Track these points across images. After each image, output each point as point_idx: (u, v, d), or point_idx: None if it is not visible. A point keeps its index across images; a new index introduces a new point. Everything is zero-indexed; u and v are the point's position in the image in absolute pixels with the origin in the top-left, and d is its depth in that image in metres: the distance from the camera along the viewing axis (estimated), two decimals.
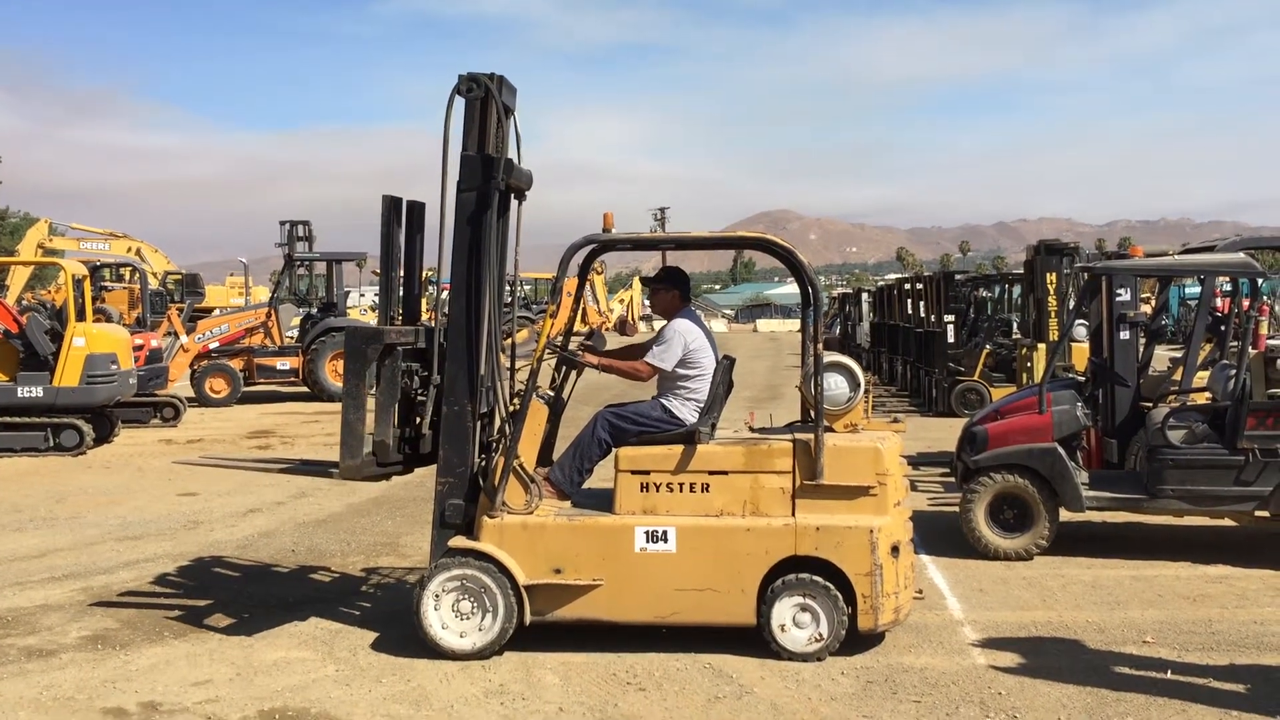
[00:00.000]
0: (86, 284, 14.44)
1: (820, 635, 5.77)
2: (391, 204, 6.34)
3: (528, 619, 5.87)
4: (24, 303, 23.42)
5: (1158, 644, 6.14)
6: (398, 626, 6.28)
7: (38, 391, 13.37)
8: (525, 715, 5.15)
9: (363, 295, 57.83)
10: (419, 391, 6.24)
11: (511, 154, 6.20)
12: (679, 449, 5.95)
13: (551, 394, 6.41)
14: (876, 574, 5.75)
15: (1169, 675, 5.63)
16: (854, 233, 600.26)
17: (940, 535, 8.72)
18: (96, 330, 13.96)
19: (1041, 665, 5.77)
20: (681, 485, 5.89)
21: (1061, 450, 8.14)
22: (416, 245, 6.54)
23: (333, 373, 18.98)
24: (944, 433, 14.42)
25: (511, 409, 6.07)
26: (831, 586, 5.74)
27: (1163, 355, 16.80)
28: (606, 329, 44.87)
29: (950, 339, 17.54)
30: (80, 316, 13.81)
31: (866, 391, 6.17)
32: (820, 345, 6.00)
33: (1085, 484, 8.19)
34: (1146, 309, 13.69)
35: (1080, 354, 12.95)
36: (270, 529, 9.31)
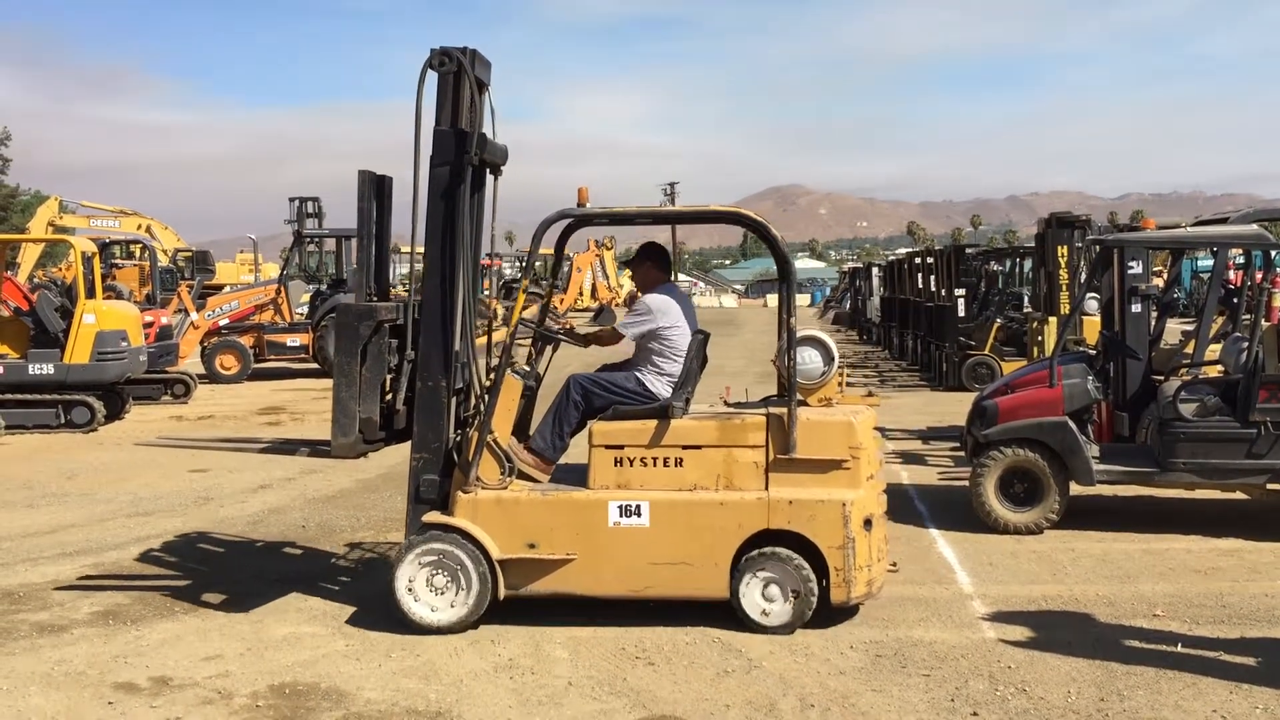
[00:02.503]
0: (96, 261, 14.48)
1: (789, 608, 5.81)
2: (368, 179, 6.31)
3: (502, 593, 5.90)
4: (34, 280, 23.48)
5: (1168, 617, 6.12)
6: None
7: (49, 369, 13.42)
8: (534, 689, 5.16)
9: None
10: (393, 367, 6.24)
11: (486, 129, 6.19)
12: (653, 423, 5.96)
13: (528, 369, 6.43)
14: (849, 547, 5.77)
15: (1179, 649, 5.61)
16: (864, 207, 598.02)
17: (950, 509, 8.71)
18: (107, 307, 13.99)
19: (1051, 639, 5.76)
20: (655, 460, 5.90)
21: (1072, 424, 8.10)
22: (386, 221, 6.52)
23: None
24: (954, 407, 14.40)
25: (485, 384, 6.09)
26: (799, 559, 5.77)
27: (1175, 328, 16.74)
28: (616, 304, 44.82)
29: (961, 313, 17.51)
30: (90, 293, 13.83)
31: (840, 367, 6.25)
32: (794, 319, 5.99)
33: (1096, 457, 8.16)
34: (1158, 282, 13.62)
35: (1091, 327, 12.91)
36: (280, 505, 9.34)
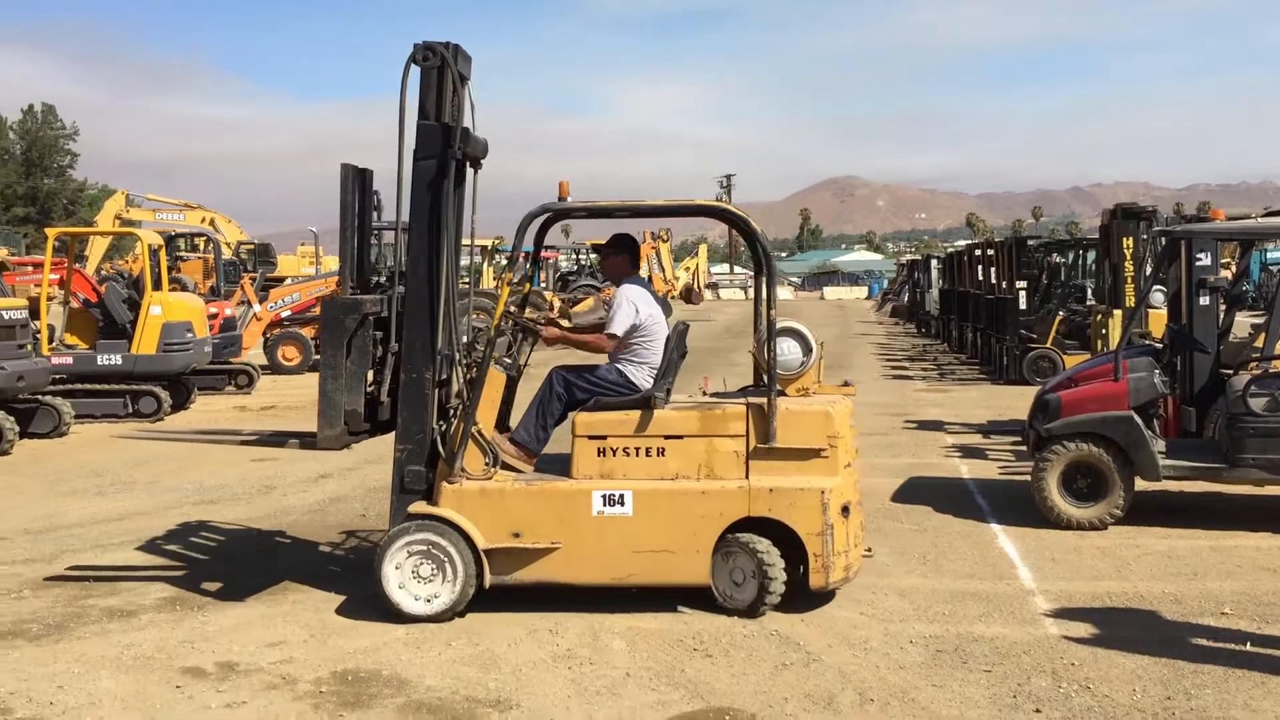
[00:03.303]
0: (162, 254, 14.74)
1: (756, 592, 5.92)
2: (351, 173, 6.34)
3: (487, 582, 5.96)
4: (102, 272, 23.95)
5: (1236, 615, 6.00)
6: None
7: (116, 359, 13.70)
8: (592, 680, 5.18)
9: None
10: (377, 359, 6.29)
11: (467, 122, 6.21)
12: (635, 414, 6.05)
13: (509, 361, 6.47)
14: (828, 534, 5.88)
15: (1248, 647, 5.50)
16: (923, 198, 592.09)
17: (1011, 504, 8.61)
18: (172, 299, 14.25)
19: (1116, 636, 5.68)
20: (638, 449, 6.00)
21: (1138, 418, 7.97)
22: (368, 213, 6.57)
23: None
24: (1015, 401, 14.22)
25: (469, 376, 6.14)
26: (770, 545, 5.88)
27: (1243, 321, 16.40)
28: (673, 297, 44.81)
29: (1022, 305, 17.29)
30: (157, 286, 14.10)
31: (819, 357, 6.34)
32: (774, 311, 6.08)
33: (1162, 452, 8.02)
34: (1227, 274, 13.34)
35: (1158, 320, 12.67)
36: (341, 494, 9.45)
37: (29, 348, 12.19)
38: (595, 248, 8.04)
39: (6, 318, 11.66)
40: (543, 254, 38.13)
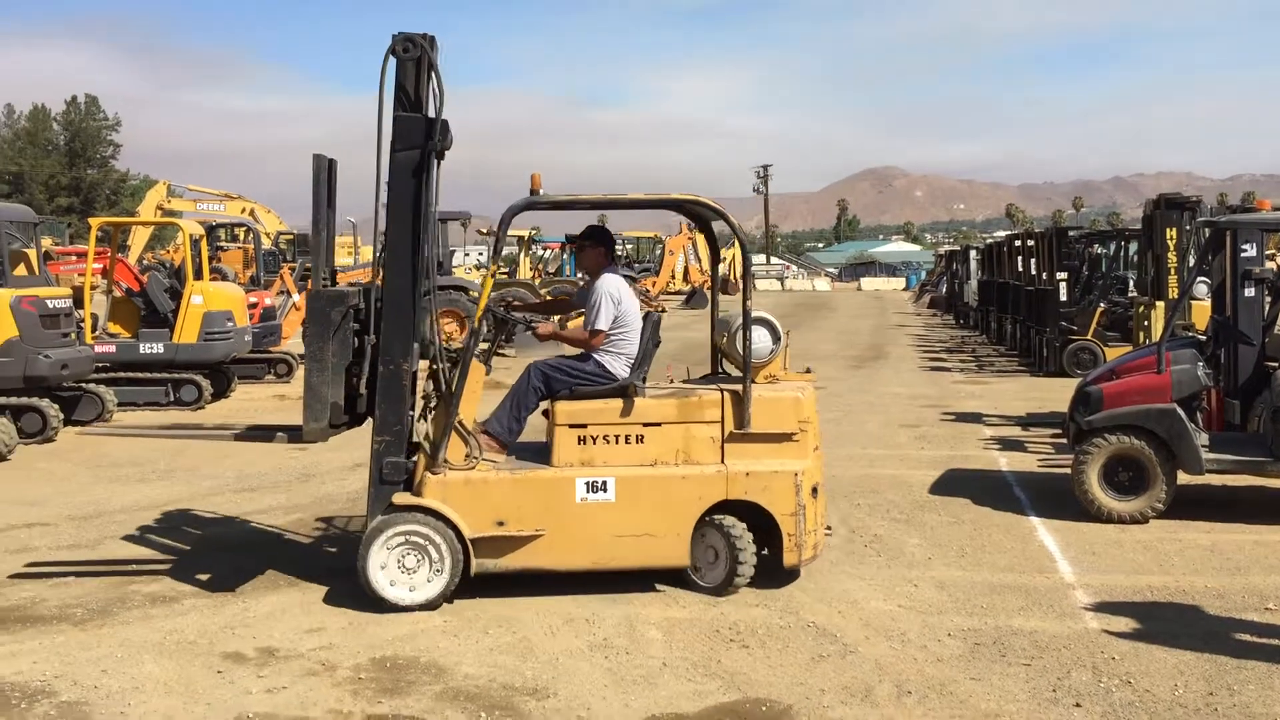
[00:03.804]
0: (203, 244, 14.88)
1: (728, 572, 6.13)
2: (325, 164, 6.34)
3: (473, 571, 6.01)
4: (144, 262, 24.21)
5: None
6: (502, 580, 6.38)
7: (158, 348, 13.87)
8: (629, 669, 5.19)
9: (467, 255, 58.45)
10: (355, 351, 6.27)
11: (435, 112, 6.18)
12: (615, 402, 6.20)
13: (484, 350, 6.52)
14: (800, 514, 6.15)
15: None
16: (962, 189, 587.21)
17: (1051, 497, 8.54)
18: (213, 289, 14.39)
19: (1157, 631, 5.62)
20: (618, 437, 6.15)
21: (1181, 411, 7.87)
22: (333, 206, 6.56)
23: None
24: (1054, 393, 14.11)
25: (438, 369, 6.18)
26: (743, 527, 6.10)
27: None
28: (709, 288, 44.74)
29: (1063, 297, 17.15)
30: (198, 275, 14.25)
31: (786, 345, 6.55)
32: (750, 302, 6.27)
33: (1205, 446, 7.92)
34: (1272, 265, 13.14)
35: (1201, 312, 12.50)
36: None
37: (73, 336, 12.35)
38: (569, 239, 8.14)
39: (51, 307, 11.80)
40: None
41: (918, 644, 5.50)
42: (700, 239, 44.53)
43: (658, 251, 45.01)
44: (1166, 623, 5.76)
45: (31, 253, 12.73)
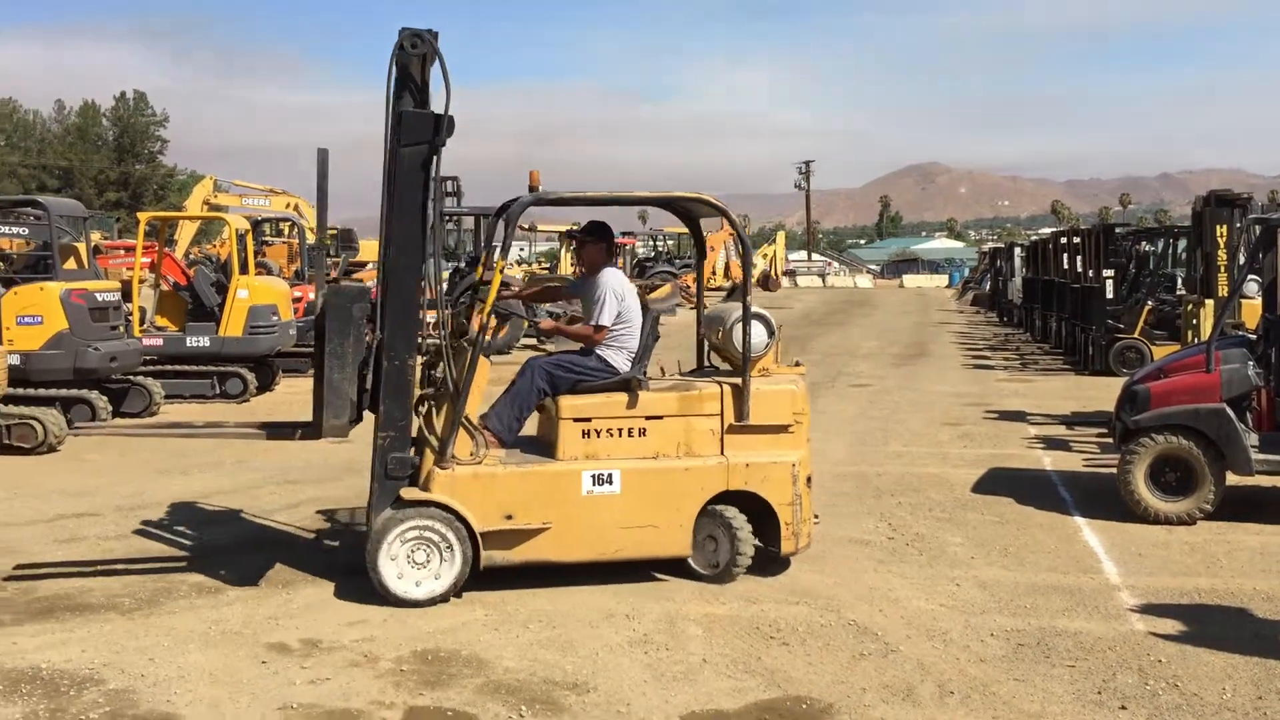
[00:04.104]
0: (249, 238, 15.02)
1: (728, 560, 6.30)
2: (321, 158, 6.33)
3: (483, 564, 6.04)
4: (191, 256, 24.51)
5: None
6: (542, 574, 6.40)
7: (204, 341, 14.03)
8: (669, 665, 5.19)
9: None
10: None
11: (437, 107, 6.20)
12: (618, 396, 6.31)
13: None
14: (797, 503, 6.35)
15: None
16: (1006, 185, 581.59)
17: (1096, 497, 8.45)
18: (258, 283, 14.54)
19: (1205, 633, 5.54)
20: (621, 430, 6.26)
21: (1230, 411, 7.75)
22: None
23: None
24: (1100, 392, 13.96)
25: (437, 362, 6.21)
26: (742, 516, 6.26)
27: None
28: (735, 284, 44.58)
29: (1109, 295, 16.95)
30: (244, 269, 14.40)
31: (778, 339, 6.75)
32: (750, 298, 6.42)
33: (1255, 446, 7.79)
34: None
35: (1251, 311, 12.29)
36: None
37: (121, 329, 12.53)
38: (570, 234, 8.17)
39: (100, 300, 11.98)
40: (620, 240, 38.29)
41: (960, 644, 5.46)
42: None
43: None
44: (1214, 625, 5.68)
45: (81, 246, 12.91)
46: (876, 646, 5.42)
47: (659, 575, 6.40)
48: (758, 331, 6.50)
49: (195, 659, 5.24)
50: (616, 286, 6.60)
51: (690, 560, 6.36)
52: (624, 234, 39.87)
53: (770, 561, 6.52)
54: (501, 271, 6.52)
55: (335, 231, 31.33)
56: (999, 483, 9.12)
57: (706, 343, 7.16)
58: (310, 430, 6.37)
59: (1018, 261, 30.10)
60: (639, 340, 6.60)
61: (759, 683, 4.99)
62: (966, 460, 10.18)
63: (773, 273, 51.30)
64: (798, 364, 7.08)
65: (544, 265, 43.22)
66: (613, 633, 5.60)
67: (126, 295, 13.78)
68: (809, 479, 6.49)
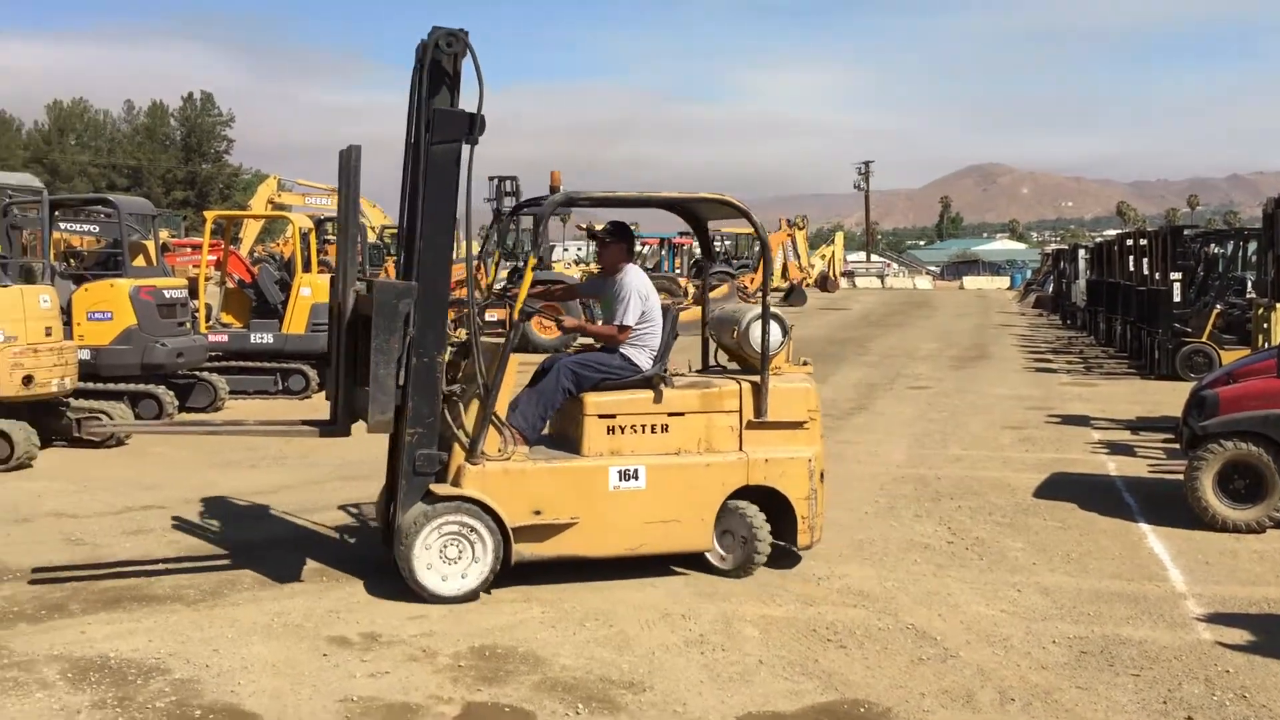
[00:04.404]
0: (312, 237, 15.22)
1: (747, 554, 6.41)
2: (356, 154, 6.35)
3: (512, 560, 6.06)
4: (255, 254, 24.88)
5: None
6: (598, 572, 6.42)
7: (268, 338, 14.25)
8: (725, 665, 5.18)
9: (566, 249, 58.87)
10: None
11: (464, 105, 6.21)
12: (643, 393, 6.42)
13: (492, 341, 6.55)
14: (813, 497, 6.50)
15: None
16: (1070, 186, 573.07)
17: (1162, 504, 8.30)
18: (321, 281, 14.70)
19: (1274, 643, 5.43)
20: (644, 427, 6.35)
21: None
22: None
23: (537, 324, 19.45)
24: (1166, 397, 13.72)
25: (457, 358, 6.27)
26: (759, 511, 6.38)
27: None
28: (808, 285, 44.39)
29: (1176, 298, 16.65)
30: (306, 267, 14.60)
31: (790, 339, 6.90)
32: (769, 298, 6.67)
33: None
34: None
35: None
36: None
37: (188, 325, 12.76)
38: (591, 234, 8.22)
39: (168, 297, 12.21)
40: (676, 240, 38.28)
41: (1021, 650, 5.39)
42: (800, 235, 44.25)
43: (755, 248, 44.79)
44: None
45: (150, 244, 13.18)
46: (935, 651, 5.37)
47: (679, 569, 6.49)
48: (773, 331, 6.62)
49: (258, 650, 5.32)
50: (640, 286, 6.69)
51: (708, 555, 6.46)
52: (680, 234, 39.87)
53: (785, 556, 6.59)
54: (533, 270, 6.60)
55: (396, 230, 31.61)
56: (1061, 488, 8.99)
57: (713, 342, 7.33)
58: (330, 426, 6.42)
59: (1081, 263, 29.68)
60: (660, 338, 6.69)
61: (816, 685, 4.97)
62: (1028, 464, 10.05)
63: (831, 274, 51.00)
64: (806, 363, 7.21)
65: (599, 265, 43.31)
66: (669, 632, 5.60)
67: (193, 292, 14.03)
68: (822, 474, 6.61)
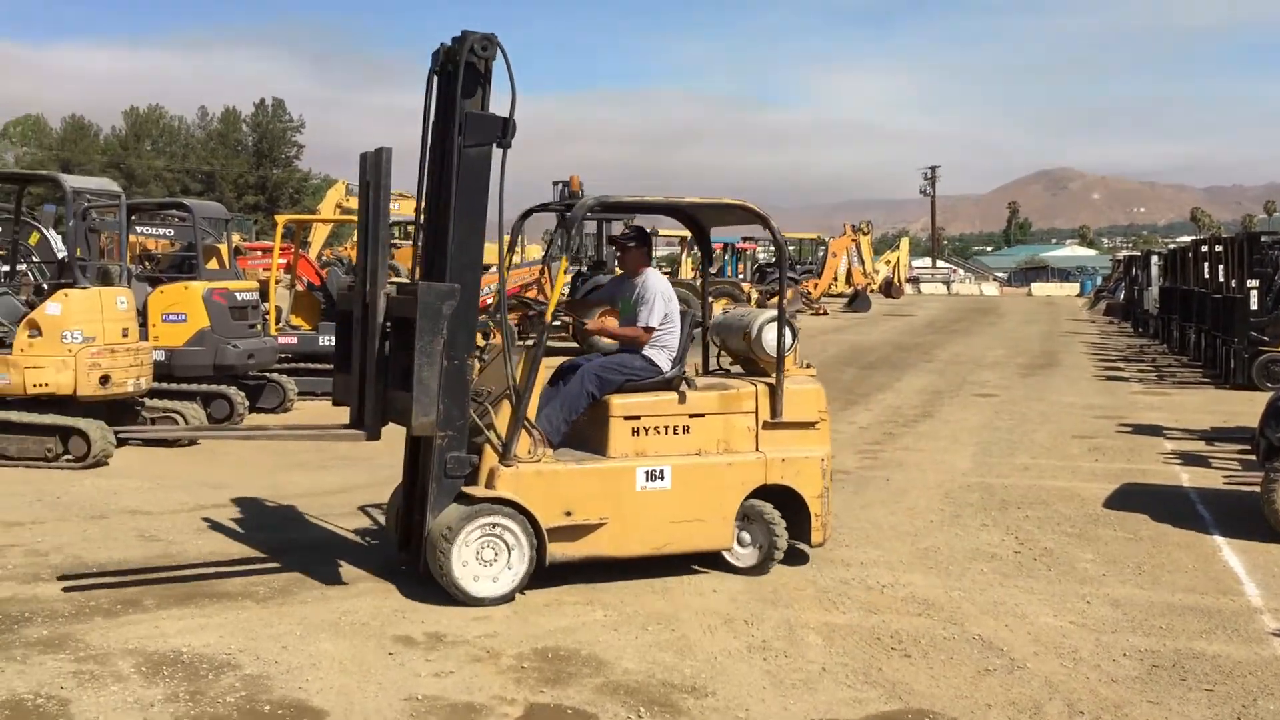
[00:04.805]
0: None
1: (765, 553, 6.56)
2: (387, 156, 6.37)
3: (546, 562, 6.08)
4: (324, 258, 25.22)
5: None
6: (657, 574, 6.43)
7: None
8: (788, 672, 5.16)
9: None
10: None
11: (493, 108, 6.22)
12: (663, 395, 6.53)
13: (524, 345, 6.63)
14: (826, 496, 6.68)
15: None
16: (1143, 192, 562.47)
17: (1237, 516, 8.12)
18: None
19: None
20: (667, 428, 6.45)
21: None
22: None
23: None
24: (1242, 406, 13.41)
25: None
26: (774, 510, 6.53)
27: None
28: (872, 291, 44.05)
29: (1253, 306, 16.28)
30: None
31: (797, 342, 7.08)
32: (785, 301, 6.88)
33: None
34: None
35: None
36: None
37: (259, 327, 12.98)
38: (611, 239, 8.30)
39: (239, 299, 12.43)
40: (740, 245, 38.17)
41: (1090, 663, 5.30)
42: (864, 241, 43.91)
43: (820, 253, 44.55)
44: None
45: (223, 248, 13.45)
46: (1002, 662, 5.30)
47: (699, 568, 6.56)
48: (775, 333, 6.78)
49: (325, 648, 5.40)
50: (663, 289, 6.80)
51: (725, 554, 6.56)
52: (744, 239, 39.75)
53: (796, 554, 6.73)
54: (565, 273, 6.66)
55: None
56: (1133, 499, 8.83)
57: (714, 345, 7.46)
58: (359, 430, 6.43)
59: (1154, 270, 29.11)
60: (680, 340, 6.78)
61: (879, 694, 4.93)
62: (1098, 474, 9.88)
63: (895, 279, 50.57)
64: (808, 365, 7.34)
65: (665, 270, 43.37)
66: (731, 638, 5.59)
67: (264, 295, 14.26)
68: (832, 473, 6.80)
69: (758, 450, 6.57)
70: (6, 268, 12.40)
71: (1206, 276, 19.37)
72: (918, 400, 15.16)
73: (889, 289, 48.84)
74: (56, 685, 4.87)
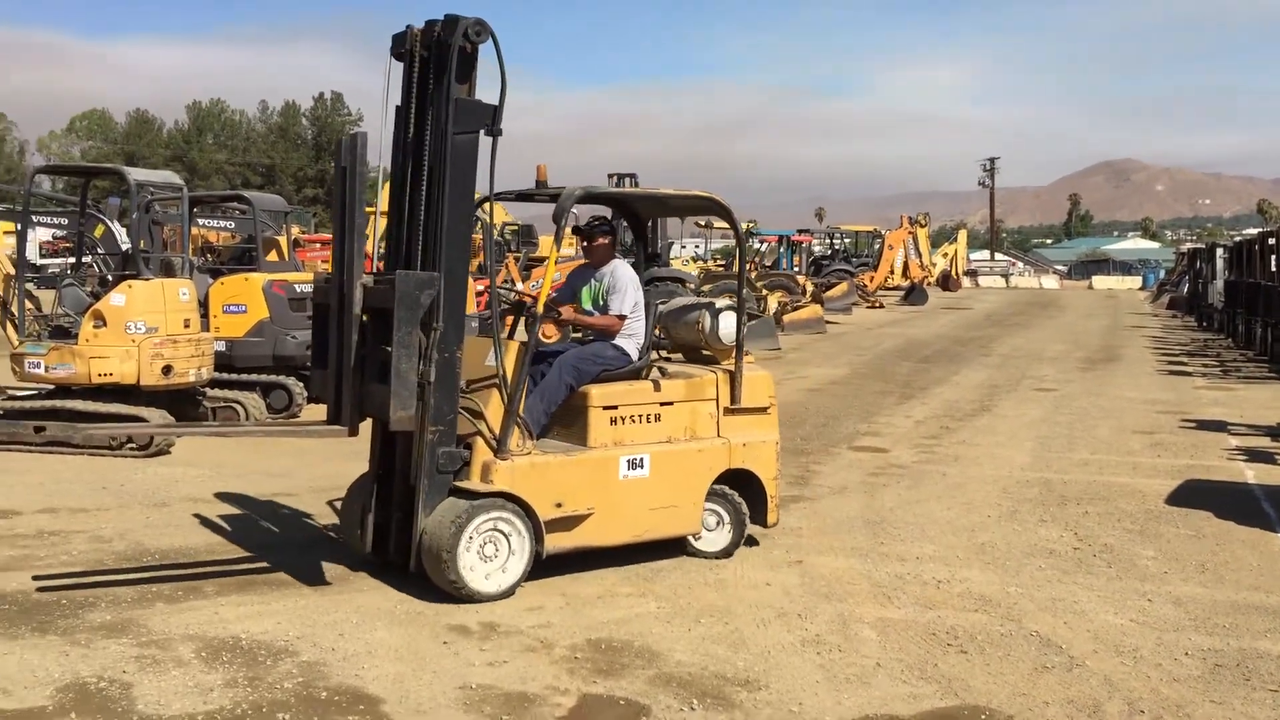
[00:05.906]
0: None
1: (731, 536, 6.76)
2: (362, 142, 6.33)
3: (543, 554, 6.07)
4: (380, 251, 25.45)
5: None
6: (712, 570, 6.42)
7: None
8: (842, 667, 5.12)
9: (684, 247, 58.98)
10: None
11: (481, 95, 6.17)
12: (636, 384, 6.64)
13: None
14: (779, 477, 6.98)
15: None
16: (1208, 183, 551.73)
17: None
18: None
19: None
20: (640, 416, 6.53)
21: None
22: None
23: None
24: None
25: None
26: (734, 493, 6.73)
27: None
28: (929, 284, 43.62)
29: None
30: None
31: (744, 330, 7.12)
32: (744, 291, 7.13)
33: None
34: None
35: None
36: None
37: None
38: (576, 230, 8.15)
39: (298, 291, 12.57)
40: (795, 238, 37.97)
41: (1151, 661, 5.21)
42: (922, 233, 43.46)
43: (876, 246, 44.20)
44: None
45: (282, 240, 13.61)
46: (1061, 659, 5.23)
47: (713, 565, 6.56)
48: (730, 322, 6.96)
49: (381, 636, 5.45)
50: (632, 277, 6.90)
51: (691, 539, 6.69)
52: (800, 231, 39.55)
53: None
54: (556, 264, 6.71)
55: (517, 227, 32.07)
56: (1196, 495, 8.67)
57: (660, 333, 7.40)
58: (335, 427, 6.32)
59: (1219, 263, 28.57)
60: (646, 328, 6.87)
61: (935, 690, 4.88)
62: (1160, 470, 9.71)
63: (953, 272, 50.04)
64: (747, 353, 7.37)
65: (720, 263, 43.27)
66: (785, 631, 5.57)
67: None
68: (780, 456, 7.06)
69: (720, 436, 6.70)
70: (73, 259, 12.66)
71: (1273, 269, 18.98)
72: (975, 395, 15.00)
73: (946, 282, 48.34)
74: (119, 669, 4.96)
